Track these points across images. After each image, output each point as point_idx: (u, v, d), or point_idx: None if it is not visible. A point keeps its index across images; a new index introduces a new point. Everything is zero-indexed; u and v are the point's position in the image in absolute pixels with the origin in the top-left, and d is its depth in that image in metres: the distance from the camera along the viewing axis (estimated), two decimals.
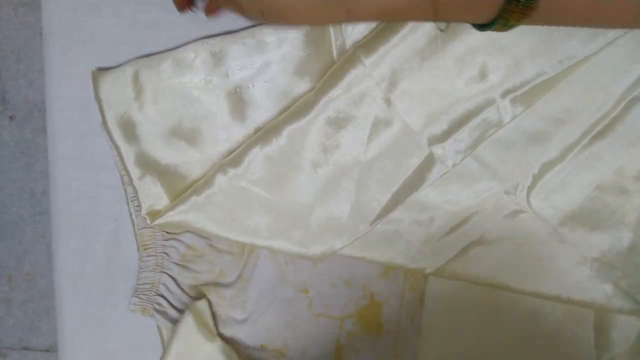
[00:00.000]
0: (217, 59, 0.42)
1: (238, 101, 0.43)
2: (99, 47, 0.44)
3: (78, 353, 0.46)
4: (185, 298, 0.44)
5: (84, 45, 0.44)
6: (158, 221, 0.42)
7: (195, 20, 0.43)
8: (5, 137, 1.03)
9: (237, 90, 0.43)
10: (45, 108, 0.46)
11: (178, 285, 0.44)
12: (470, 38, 0.38)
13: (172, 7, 0.43)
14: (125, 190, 0.44)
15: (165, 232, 0.43)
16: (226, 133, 0.43)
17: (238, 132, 0.43)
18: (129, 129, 0.43)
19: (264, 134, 0.41)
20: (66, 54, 0.44)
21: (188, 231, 0.43)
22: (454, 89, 0.39)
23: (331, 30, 0.41)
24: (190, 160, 0.43)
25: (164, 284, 0.43)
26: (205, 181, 0.41)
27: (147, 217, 0.43)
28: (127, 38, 0.44)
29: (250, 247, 0.44)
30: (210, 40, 0.42)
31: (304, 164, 0.41)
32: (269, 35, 0.42)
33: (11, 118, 1.03)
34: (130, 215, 0.44)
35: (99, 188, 0.45)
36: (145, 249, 0.43)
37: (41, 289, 1.05)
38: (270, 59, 0.42)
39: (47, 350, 1.06)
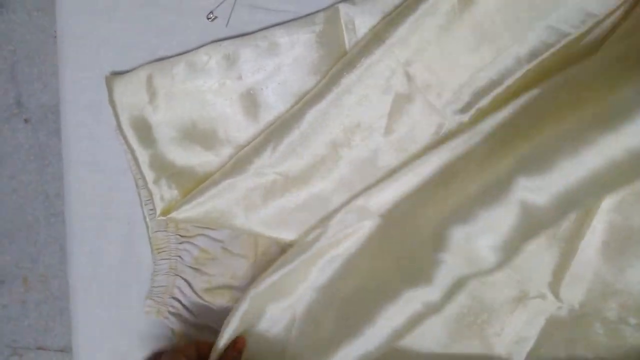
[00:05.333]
0: (230, 61, 0.42)
1: (251, 103, 0.42)
2: (113, 51, 0.44)
3: (92, 354, 0.46)
4: (198, 301, 0.44)
5: (98, 49, 0.44)
6: (174, 214, 0.41)
7: (207, 24, 0.43)
8: (19, 140, 1.04)
9: (251, 92, 0.43)
10: (59, 111, 0.46)
11: (192, 288, 0.43)
12: (487, 3, 0.38)
13: (185, 11, 0.43)
14: (139, 194, 0.44)
15: (179, 235, 0.43)
16: (240, 135, 0.43)
17: (252, 134, 0.43)
18: (144, 132, 0.43)
19: (284, 122, 0.40)
20: (80, 57, 0.45)
21: (201, 234, 0.43)
22: (474, 58, 0.39)
23: (344, 31, 0.41)
24: (204, 163, 0.43)
25: (177, 287, 0.43)
26: (222, 172, 0.41)
27: (162, 216, 0.42)
28: (140, 42, 0.44)
29: (264, 247, 0.43)
30: (223, 43, 0.42)
31: (325, 145, 0.40)
32: (282, 37, 0.42)
33: (26, 121, 1.04)
34: (144, 218, 0.44)
35: (112, 191, 0.45)
36: (159, 252, 0.43)
37: (55, 290, 1.06)
38: (283, 61, 0.42)
39: (62, 350, 1.07)
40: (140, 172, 0.43)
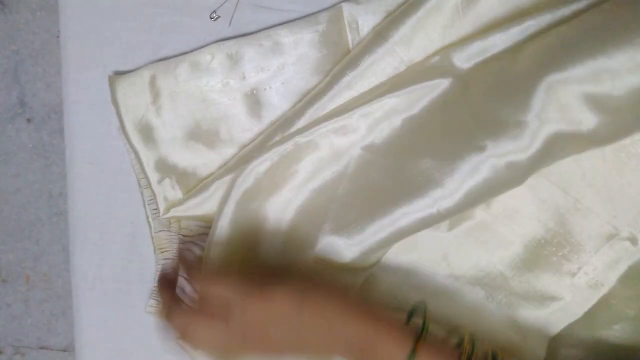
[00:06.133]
0: (234, 61, 0.42)
1: (255, 103, 0.42)
2: (116, 51, 0.44)
3: (94, 354, 0.46)
4: None
5: (101, 49, 0.44)
6: (179, 210, 0.41)
7: (210, 23, 0.43)
8: (23, 139, 1.04)
9: (254, 92, 0.42)
10: (63, 111, 0.46)
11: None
12: (491, 1, 0.38)
13: (189, 10, 0.43)
14: (142, 194, 0.44)
15: (182, 235, 0.43)
16: (244, 135, 0.43)
17: (255, 134, 0.43)
18: (147, 133, 0.43)
19: (287, 119, 0.40)
20: (83, 57, 0.45)
21: (204, 234, 0.43)
22: None
23: (348, 30, 0.41)
24: (208, 163, 0.43)
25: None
26: (227, 168, 0.41)
27: (165, 213, 0.42)
28: (143, 41, 0.44)
29: None
30: (227, 43, 0.42)
31: (324, 141, 0.40)
32: (285, 36, 0.42)
33: (29, 120, 1.04)
34: (147, 218, 0.44)
35: (116, 191, 0.45)
36: (162, 252, 0.43)
37: (58, 289, 1.06)
38: (287, 60, 0.42)
39: (64, 350, 1.07)
40: (144, 172, 0.43)
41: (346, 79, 0.39)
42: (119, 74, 0.44)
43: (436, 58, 0.38)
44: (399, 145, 0.38)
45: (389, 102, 0.37)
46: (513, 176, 0.34)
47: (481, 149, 0.33)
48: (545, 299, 0.39)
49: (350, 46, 0.41)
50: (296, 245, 0.39)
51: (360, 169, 0.39)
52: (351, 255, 0.37)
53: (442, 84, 0.37)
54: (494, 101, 0.35)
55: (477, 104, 0.36)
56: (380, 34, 0.39)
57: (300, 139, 0.38)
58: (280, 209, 0.40)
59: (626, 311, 0.38)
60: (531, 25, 0.35)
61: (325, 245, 0.37)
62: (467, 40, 0.37)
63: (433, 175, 0.35)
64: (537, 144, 0.33)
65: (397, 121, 0.38)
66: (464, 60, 0.37)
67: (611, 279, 0.38)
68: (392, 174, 0.37)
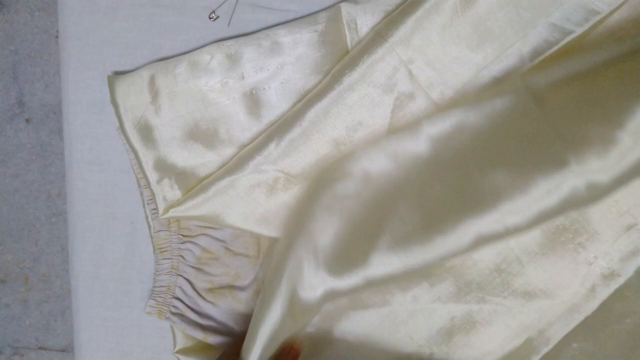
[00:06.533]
0: (233, 61, 0.42)
1: (254, 103, 0.42)
2: (115, 51, 0.44)
3: (94, 354, 0.46)
4: (200, 301, 0.44)
5: (100, 49, 0.44)
6: (178, 210, 0.41)
7: (209, 23, 0.43)
8: (21, 140, 1.04)
9: (253, 91, 0.42)
10: (61, 111, 0.46)
11: (194, 288, 0.43)
12: (490, 1, 0.38)
13: (188, 10, 0.43)
14: (141, 193, 0.44)
15: (181, 235, 0.43)
16: (243, 134, 0.43)
17: (254, 134, 0.43)
18: (146, 133, 0.43)
19: (286, 119, 0.40)
20: (82, 57, 0.45)
21: (204, 234, 0.43)
22: (477, 56, 0.39)
23: (346, 30, 0.41)
24: (207, 163, 0.43)
25: (179, 287, 0.43)
26: (226, 169, 0.41)
27: (165, 214, 0.42)
28: (142, 41, 0.44)
29: (267, 246, 0.43)
30: (226, 43, 0.42)
31: (327, 142, 0.40)
32: (284, 36, 0.42)
33: (27, 121, 1.04)
34: (147, 218, 0.44)
35: (115, 191, 0.45)
36: (161, 252, 0.43)
37: (57, 290, 1.06)
38: (286, 60, 0.42)
39: (63, 350, 1.07)
40: (143, 172, 0.43)
41: (346, 79, 0.39)
42: (118, 73, 0.44)
43: (507, 81, 0.36)
44: (466, 156, 0.36)
45: (456, 113, 0.36)
46: (589, 198, 0.31)
47: (563, 163, 0.31)
48: (560, 287, 0.38)
49: (349, 46, 0.41)
50: (354, 239, 0.37)
51: (423, 182, 0.37)
52: (396, 271, 0.34)
53: (514, 98, 0.35)
54: (575, 114, 0.33)
55: (556, 116, 0.34)
56: (379, 34, 0.39)
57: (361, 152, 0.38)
58: (352, 202, 0.38)
59: (639, 304, 0.38)
60: (624, 40, 0.34)
61: (378, 254, 0.35)
62: (542, 63, 0.36)
63: (504, 190, 0.32)
64: (624, 164, 0.30)
65: (465, 133, 0.36)
66: (537, 79, 0.35)
67: (628, 270, 0.37)
68: (456, 187, 0.35)
